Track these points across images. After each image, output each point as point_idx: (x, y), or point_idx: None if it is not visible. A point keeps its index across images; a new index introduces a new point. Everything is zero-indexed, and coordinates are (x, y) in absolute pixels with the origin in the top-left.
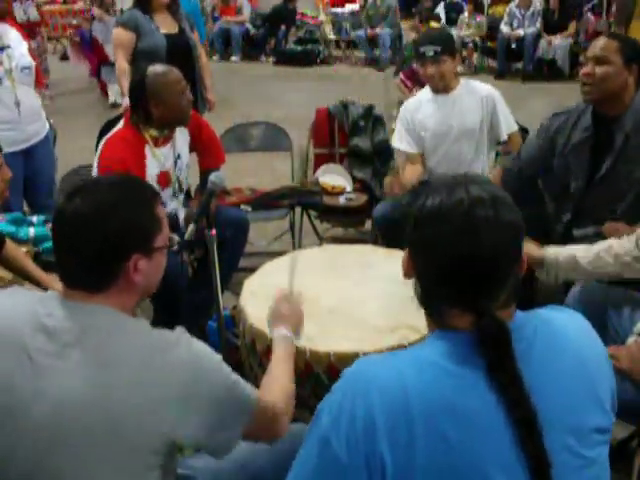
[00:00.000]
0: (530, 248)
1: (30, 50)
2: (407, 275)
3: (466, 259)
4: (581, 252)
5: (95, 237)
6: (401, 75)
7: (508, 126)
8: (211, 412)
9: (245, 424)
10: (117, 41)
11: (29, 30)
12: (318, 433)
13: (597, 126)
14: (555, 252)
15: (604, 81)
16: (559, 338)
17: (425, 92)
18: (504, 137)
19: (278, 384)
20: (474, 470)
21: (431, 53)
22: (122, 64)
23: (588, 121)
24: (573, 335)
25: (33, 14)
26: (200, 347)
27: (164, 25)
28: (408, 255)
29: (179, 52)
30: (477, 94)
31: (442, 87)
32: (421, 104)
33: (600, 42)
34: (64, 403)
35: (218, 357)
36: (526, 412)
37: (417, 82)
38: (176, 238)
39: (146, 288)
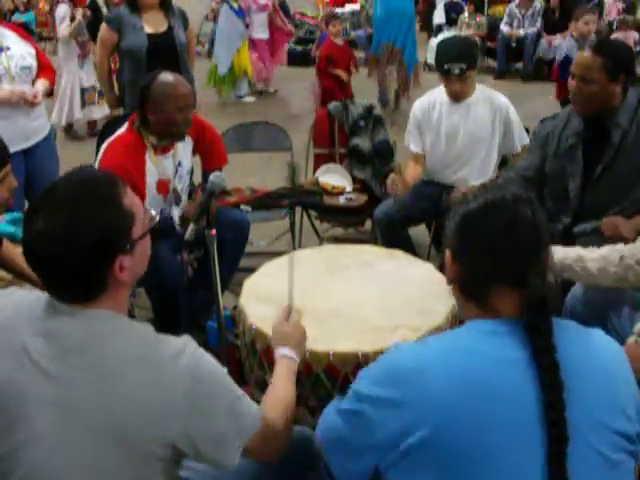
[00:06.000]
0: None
1: (39, 51)
2: (450, 277)
3: (517, 240)
4: (586, 253)
5: (72, 255)
6: None
7: (520, 138)
8: (213, 424)
9: (247, 440)
10: (99, 38)
11: None
12: (352, 403)
13: (588, 125)
14: (564, 252)
15: (590, 100)
16: (594, 345)
17: (440, 94)
18: (518, 149)
19: (280, 402)
20: (497, 449)
21: (457, 71)
22: (101, 60)
23: (579, 124)
24: (606, 347)
25: None
26: (206, 358)
27: (151, 24)
28: (451, 253)
29: (161, 52)
30: (492, 104)
31: (460, 96)
32: (435, 105)
33: (584, 59)
34: (66, 408)
35: (224, 370)
36: (557, 396)
37: None
38: (155, 215)
39: (135, 279)
